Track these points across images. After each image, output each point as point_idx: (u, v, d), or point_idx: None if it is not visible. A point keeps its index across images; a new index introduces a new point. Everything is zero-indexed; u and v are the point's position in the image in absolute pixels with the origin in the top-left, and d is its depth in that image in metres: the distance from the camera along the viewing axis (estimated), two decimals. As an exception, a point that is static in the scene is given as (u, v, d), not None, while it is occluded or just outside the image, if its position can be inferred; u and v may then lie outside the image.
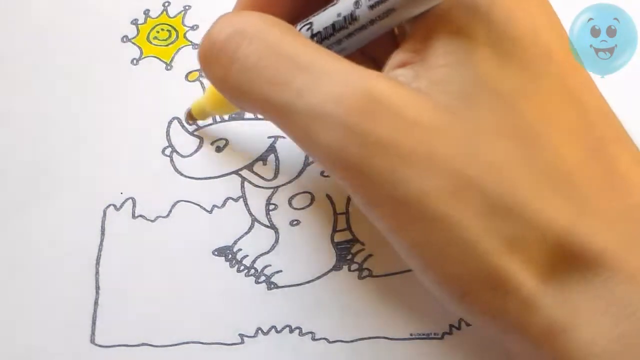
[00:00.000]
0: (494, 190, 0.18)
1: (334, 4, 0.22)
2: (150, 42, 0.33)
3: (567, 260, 0.19)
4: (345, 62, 0.20)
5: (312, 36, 0.22)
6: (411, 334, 0.26)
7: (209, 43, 0.21)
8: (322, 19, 0.22)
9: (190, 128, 0.30)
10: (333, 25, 0.21)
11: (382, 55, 0.21)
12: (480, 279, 0.19)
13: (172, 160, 0.30)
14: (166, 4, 0.34)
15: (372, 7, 0.20)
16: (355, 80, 0.19)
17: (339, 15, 0.21)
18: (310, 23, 0.22)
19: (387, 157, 0.19)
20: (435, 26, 0.20)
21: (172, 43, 0.33)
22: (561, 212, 0.19)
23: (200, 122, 0.30)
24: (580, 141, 0.20)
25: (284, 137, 0.30)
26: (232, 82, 0.21)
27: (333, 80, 0.19)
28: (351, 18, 0.21)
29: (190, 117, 0.30)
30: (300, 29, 0.22)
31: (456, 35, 0.19)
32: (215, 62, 0.21)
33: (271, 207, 0.29)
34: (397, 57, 0.20)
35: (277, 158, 0.30)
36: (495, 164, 0.19)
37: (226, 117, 0.30)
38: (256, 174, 0.29)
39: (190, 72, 0.32)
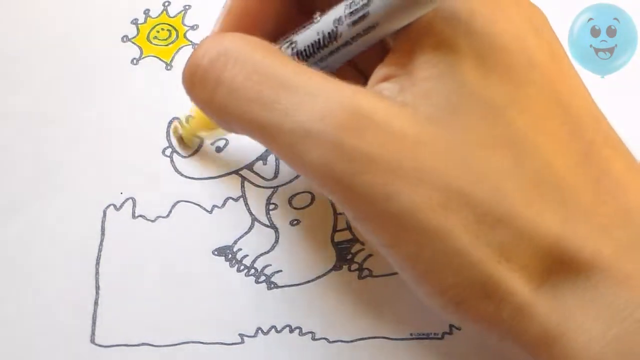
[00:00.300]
0: (484, 200, 0.19)
1: (315, 23, 0.22)
2: (150, 42, 0.33)
3: (559, 267, 0.19)
4: (330, 80, 0.20)
5: (295, 55, 0.22)
6: (411, 334, 0.26)
7: (194, 65, 0.22)
8: (304, 38, 0.22)
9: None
10: (315, 43, 0.21)
11: (369, 67, 0.21)
12: (473, 288, 0.19)
13: (172, 160, 0.30)
14: (166, 4, 0.34)
15: (353, 24, 0.20)
16: (340, 97, 0.19)
17: (320, 33, 0.21)
18: (292, 42, 0.22)
19: (376, 172, 0.19)
20: (417, 39, 0.20)
21: (172, 43, 0.33)
22: (551, 218, 0.19)
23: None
24: (570, 147, 0.20)
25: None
26: (218, 103, 0.21)
27: (319, 98, 0.19)
28: (333, 36, 0.21)
29: (181, 141, 0.30)
30: (282, 47, 0.22)
31: (439, 47, 0.19)
32: (201, 84, 0.21)
33: (271, 206, 0.29)
34: (381, 70, 0.20)
35: (277, 158, 0.30)
36: (484, 174, 0.19)
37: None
38: (256, 173, 0.29)
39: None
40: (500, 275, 0.18)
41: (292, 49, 0.22)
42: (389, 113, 0.19)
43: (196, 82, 0.22)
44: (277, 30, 0.24)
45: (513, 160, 0.19)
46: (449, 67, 0.19)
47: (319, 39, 0.21)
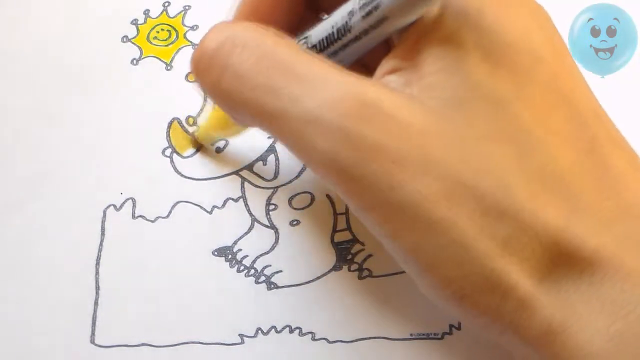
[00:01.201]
0: (488, 193, 0.19)
1: (329, 17, 0.22)
2: (150, 42, 0.33)
3: (563, 261, 0.19)
4: (338, 69, 0.20)
5: (309, 49, 0.22)
6: (411, 334, 0.26)
7: (202, 50, 0.22)
8: (318, 32, 0.22)
9: (191, 129, 0.30)
10: (328, 37, 0.21)
11: (375, 62, 0.21)
12: (477, 281, 0.19)
13: (172, 160, 0.30)
14: (166, 4, 0.34)
15: (365, 16, 0.20)
16: (348, 86, 0.19)
17: (333, 27, 0.21)
18: (306, 37, 0.22)
19: (381, 162, 0.19)
20: (425, 32, 0.20)
21: (172, 43, 0.33)
22: (555, 212, 0.19)
23: (202, 120, 0.30)
24: (573, 142, 0.20)
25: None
26: (225, 88, 0.21)
27: (327, 87, 0.19)
28: (345, 29, 0.21)
29: (195, 143, 0.30)
30: (297, 43, 0.22)
31: (446, 41, 0.19)
32: (208, 68, 0.21)
33: (271, 207, 0.29)
34: (387, 63, 0.21)
35: (277, 158, 0.30)
36: (488, 167, 0.19)
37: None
38: (256, 174, 0.29)
39: (190, 73, 0.32)
40: (504, 269, 0.18)
41: (306, 43, 0.22)
42: (395, 104, 0.19)
43: (203, 66, 0.22)
44: (292, 27, 0.24)
45: (517, 154, 0.19)
46: (456, 61, 0.19)
47: (331, 33, 0.21)
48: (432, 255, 0.19)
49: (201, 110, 0.31)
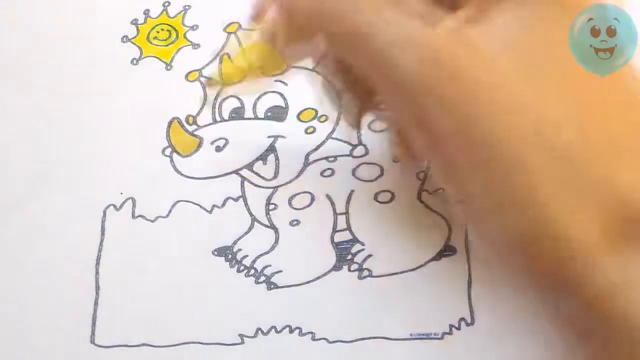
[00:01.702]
0: (567, 143, 0.19)
1: None
2: (150, 42, 0.33)
3: (631, 223, 0.19)
4: (432, 6, 0.20)
5: None
6: (411, 334, 0.26)
7: None
8: None
9: (191, 128, 0.30)
10: None
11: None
12: (547, 235, 0.19)
13: (172, 160, 0.30)
14: (166, 4, 0.34)
15: None
16: (440, 19, 0.20)
17: None
18: None
19: (467, 88, 0.19)
20: None
21: (172, 43, 0.33)
22: (627, 175, 0.19)
23: (202, 120, 0.30)
24: (630, 116, 0.20)
25: (284, 137, 0.30)
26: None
27: (420, 18, 0.20)
28: None
29: (211, 82, 0.29)
30: None
31: None
32: None
33: (271, 207, 0.29)
34: (462, 13, 0.21)
35: (277, 158, 0.30)
36: (564, 118, 0.19)
37: (226, 116, 0.30)
38: (256, 173, 0.29)
39: (190, 72, 0.32)
40: (572, 224, 0.19)
41: None
42: (485, 44, 0.19)
43: None
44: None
45: (587, 115, 0.19)
46: (532, 19, 0.20)
47: None
48: (507, 194, 0.19)
49: (204, 101, 0.30)
